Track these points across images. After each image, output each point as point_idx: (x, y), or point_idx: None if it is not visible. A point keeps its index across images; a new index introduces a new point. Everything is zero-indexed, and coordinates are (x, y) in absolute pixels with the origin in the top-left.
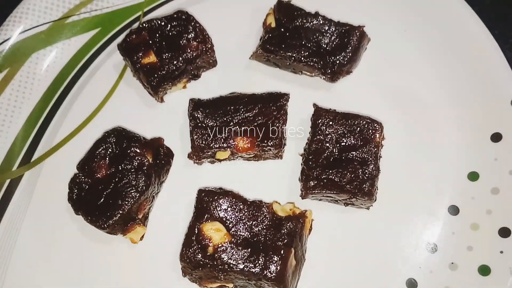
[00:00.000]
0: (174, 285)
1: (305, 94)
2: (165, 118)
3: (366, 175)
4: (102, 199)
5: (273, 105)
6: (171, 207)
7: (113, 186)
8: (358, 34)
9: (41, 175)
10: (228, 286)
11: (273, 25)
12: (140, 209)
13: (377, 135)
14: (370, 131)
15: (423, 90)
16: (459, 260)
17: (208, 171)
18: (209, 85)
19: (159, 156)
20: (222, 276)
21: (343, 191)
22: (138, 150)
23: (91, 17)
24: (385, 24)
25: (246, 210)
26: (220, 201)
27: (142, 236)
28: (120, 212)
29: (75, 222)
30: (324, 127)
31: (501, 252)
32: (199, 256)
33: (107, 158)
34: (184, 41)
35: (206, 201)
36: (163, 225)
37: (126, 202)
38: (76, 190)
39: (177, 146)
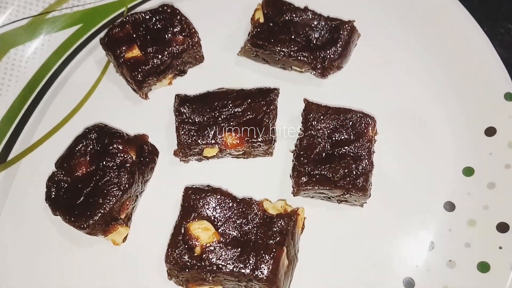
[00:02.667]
0: None
1: (295, 91)
2: (149, 116)
3: (360, 170)
4: (82, 198)
5: (262, 100)
6: (155, 207)
7: (93, 184)
8: (348, 28)
9: (17, 175)
10: None
11: (262, 20)
12: (122, 208)
13: (370, 129)
14: (363, 125)
15: (415, 86)
16: (457, 257)
17: (195, 169)
18: (196, 82)
19: (143, 154)
20: (210, 278)
21: (336, 186)
22: (120, 147)
23: (73, 13)
24: (375, 20)
25: (235, 208)
26: (208, 199)
27: (125, 238)
28: (101, 211)
29: (53, 224)
30: (315, 122)
31: (500, 247)
32: (185, 257)
33: (88, 155)
34: (170, 35)
35: (193, 199)
36: (147, 226)
37: (108, 201)
38: (54, 189)
39: (163, 145)
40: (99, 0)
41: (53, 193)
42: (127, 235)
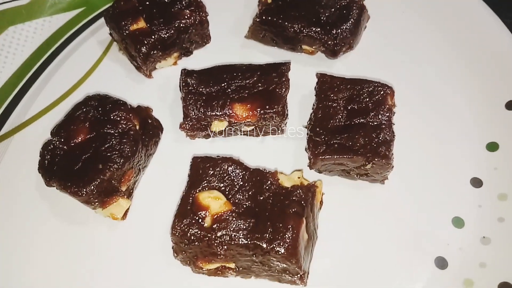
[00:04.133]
0: (163, 271)
1: (305, 72)
2: (153, 95)
3: (381, 139)
4: (80, 164)
5: (273, 72)
6: (159, 185)
7: (93, 151)
8: (358, 6)
9: (7, 152)
10: (229, 267)
11: (270, 0)
12: (124, 179)
13: (389, 98)
14: (381, 93)
15: (429, 65)
16: (491, 233)
17: (202, 147)
18: (202, 64)
19: (147, 126)
20: (222, 252)
21: (357, 154)
22: (124, 114)
23: None
24: (384, 2)
25: (248, 178)
26: (218, 168)
27: (125, 214)
28: (101, 176)
29: (46, 202)
30: (330, 93)
31: None
32: (194, 228)
33: (87, 122)
34: (177, 8)
35: (202, 168)
36: (149, 204)
37: (109, 167)
38: (48, 157)
39: (167, 123)
40: None
41: (47, 160)
42: (127, 210)
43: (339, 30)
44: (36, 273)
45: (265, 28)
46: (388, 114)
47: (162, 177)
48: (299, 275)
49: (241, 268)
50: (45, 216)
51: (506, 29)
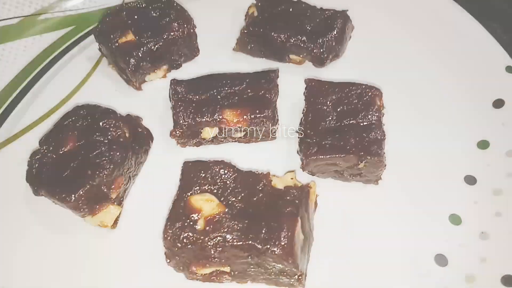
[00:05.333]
0: (156, 279)
1: (293, 82)
2: (143, 107)
3: (372, 138)
4: (69, 171)
5: (262, 79)
6: (150, 193)
7: (81, 158)
8: (342, 17)
9: None
10: (224, 271)
11: (256, 14)
12: (114, 186)
13: (377, 99)
14: (370, 95)
15: (417, 70)
16: (489, 228)
17: (193, 155)
18: (191, 76)
19: (136, 134)
20: (216, 254)
21: (349, 153)
22: (113, 122)
23: (65, 16)
24: (366, 13)
25: (240, 180)
26: (210, 171)
27: (116, 221)
28: (90, 181)
29: (34, 213)
30: (319, 96)
31: None
32: (187, 231)
33: (76, 131)
34: (165, 22)
35: (194, 172)
36: (140, 212)
37: (98, 172)
38: (36, 165)
39: (157, 135)
40: (92, 6)
41: (35, 169)
42: (117, 218)
43: (325, 39)
44: (26, 284)
45: (252, 39)
46: (377, 114)
47: (153, 185)
48: (296, 276)
49: (236, 272)
50: (34, 227)
51: (488, 33)
